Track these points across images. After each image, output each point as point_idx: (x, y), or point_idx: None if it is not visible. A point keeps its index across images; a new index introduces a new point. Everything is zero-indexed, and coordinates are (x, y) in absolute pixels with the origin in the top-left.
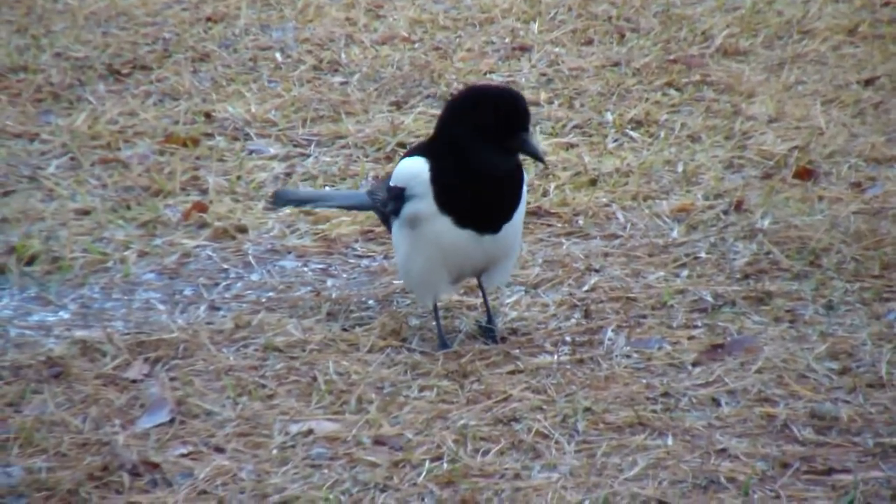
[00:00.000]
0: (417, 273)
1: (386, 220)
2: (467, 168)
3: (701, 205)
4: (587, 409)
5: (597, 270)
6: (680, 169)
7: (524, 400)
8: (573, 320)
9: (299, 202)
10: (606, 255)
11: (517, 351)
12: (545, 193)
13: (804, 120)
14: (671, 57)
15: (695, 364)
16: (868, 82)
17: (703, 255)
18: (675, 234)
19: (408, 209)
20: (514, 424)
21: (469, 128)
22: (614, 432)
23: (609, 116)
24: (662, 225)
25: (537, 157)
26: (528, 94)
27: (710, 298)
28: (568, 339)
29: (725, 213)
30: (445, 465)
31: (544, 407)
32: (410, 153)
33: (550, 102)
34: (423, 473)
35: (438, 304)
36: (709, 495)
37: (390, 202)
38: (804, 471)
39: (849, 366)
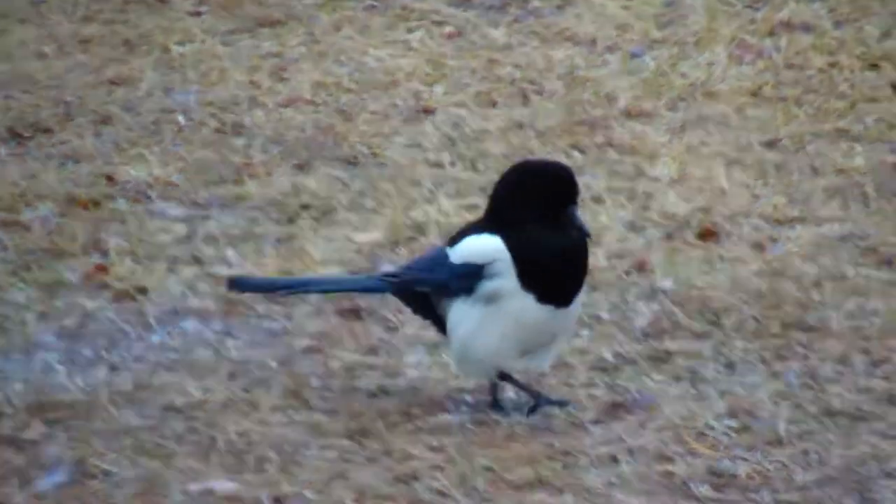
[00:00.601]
0: (486, 349)
1: (416, 300)
2: (542, 245)
3: (603, 265)
4: (487, 468)
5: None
6: None
7: (424, 459)
8: (474, 381)
9: (268, 289)
10: None
11: (417, 410)
12: None
13: (707, 181)
14: (575, 119)
15: (595, 423)
16: (770, 144)
17: (604, 314)
18: None
19: (487, 287)
20: (413, 483)
21: (521, 204)
22: (514, 490)
23: None
24: None
25: (583, 230)
26: (431, 156)
27: (610, 358)
28: (468, 398)
29: (627, 273)
30: None
31: (444, 466)
32: (473, 229)
33: (454, 164)
34: None
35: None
36: None
37: (458, 280)
38: None
39: (748, 424)
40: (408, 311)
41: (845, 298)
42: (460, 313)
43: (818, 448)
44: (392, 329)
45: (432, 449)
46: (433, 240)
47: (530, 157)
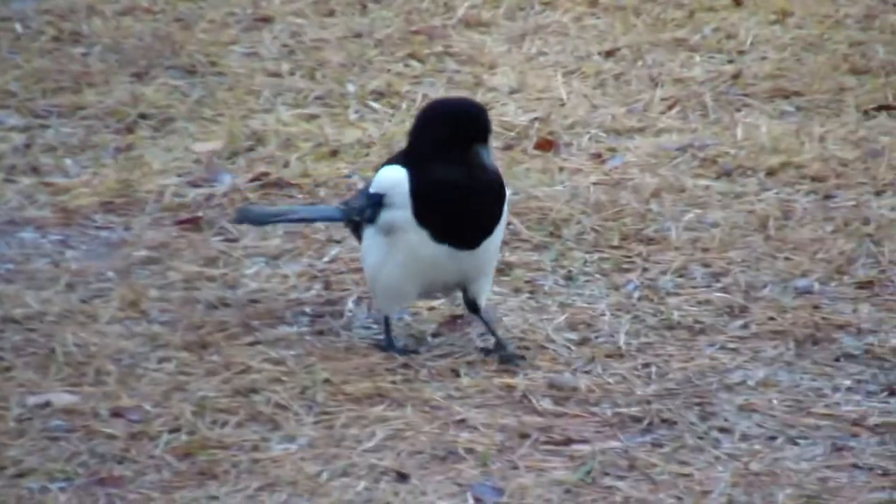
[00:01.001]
0: (386, 282)
1: (357, 230)
2: (443, 184)
3: None
4: (326, 381)
5: (338, 241)
6: None
7: (263, 371)
8: (313, 291)
9: (264, 220)
10: None
11: (256, 322)
12: (286, 164)
13: (545, 91)
14: (413, 28)
15: (435, 335)
16: (609, 53)
17: None
18: None
19: (384, 217)
20: (252, 396)
21: (430, 141)
22: (353, 403)
23: (351, 87)
24: None
25: (484, 166)
26: (269, 66)
27: None
28: (308, 310)
29: None
30: (184, 437)
31: (283, 378)
32: (390, 160)
33: (292, 73)
34: (161, 445)
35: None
36: (447, 466)
37: (368, 209)
38: (542, 441)
39: (587, 336)
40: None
41: (684, 210)
42: (367, 242)
43: (658, 361)
44: (231, 240)
45: (272, 361)
46: (272, 149)
47: (446, 96)
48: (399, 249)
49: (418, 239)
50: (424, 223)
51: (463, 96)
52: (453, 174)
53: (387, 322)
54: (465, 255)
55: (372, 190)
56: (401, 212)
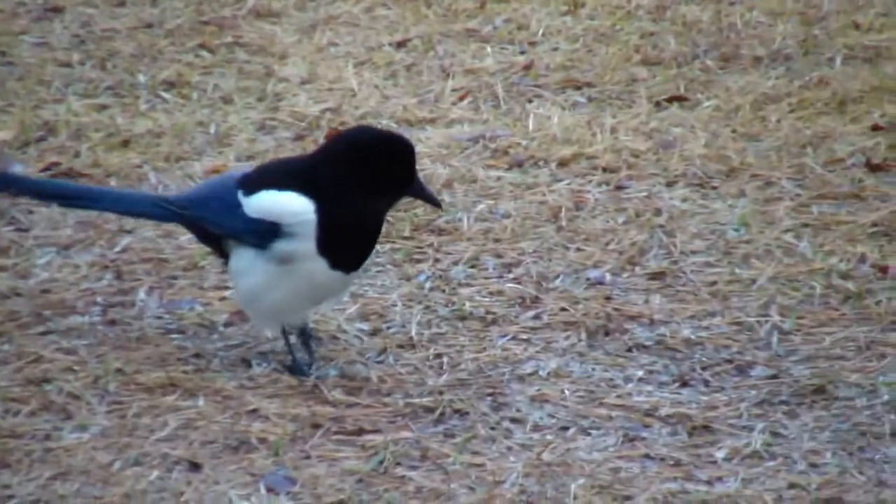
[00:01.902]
0: (274, 304)
1: (210, 239)
2: (357, 217)
3: (234, 166)
4: (119, 370)
5: (129, 231)
6: (213, 130)
7: (55, 361)
8: (105, 281)
9: (30, 191)
10: None
11: (49, 312)
12: (77, 154)
13: (337, 82)
14: (204, 18)
15: (226, 325)
16: (400, 44)
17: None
18: None
19: (282, 247)
20: (45, 385)
21: (361, 176)
22: (146, 393)
23: (142, 78)
24: (194, 186)
25: (434, 201)
26: (60, 56)
27: None
28: (100, 300)
29: None
30: None
31: (76, 368)
32: (281, 185)
33: (83, 64)
34: None
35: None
36: (240, 455)
37: (250, 234)
38: (335, 431)
39: (379, 327)
40: (39, 211)
41: (476, 200)
42: (247, 264)
43: (450, 351)
44: (22, 230)
45: (64, 351)
46: (63, 139)
47: (372, 127)
48: (292, 276)
49: (316, 267)
50: (326, 254)
51: (387, 131)
52: (373, 212)
53: (287, 342)
54: (351, 276)
55: (257, 215)
56: (303, 243)
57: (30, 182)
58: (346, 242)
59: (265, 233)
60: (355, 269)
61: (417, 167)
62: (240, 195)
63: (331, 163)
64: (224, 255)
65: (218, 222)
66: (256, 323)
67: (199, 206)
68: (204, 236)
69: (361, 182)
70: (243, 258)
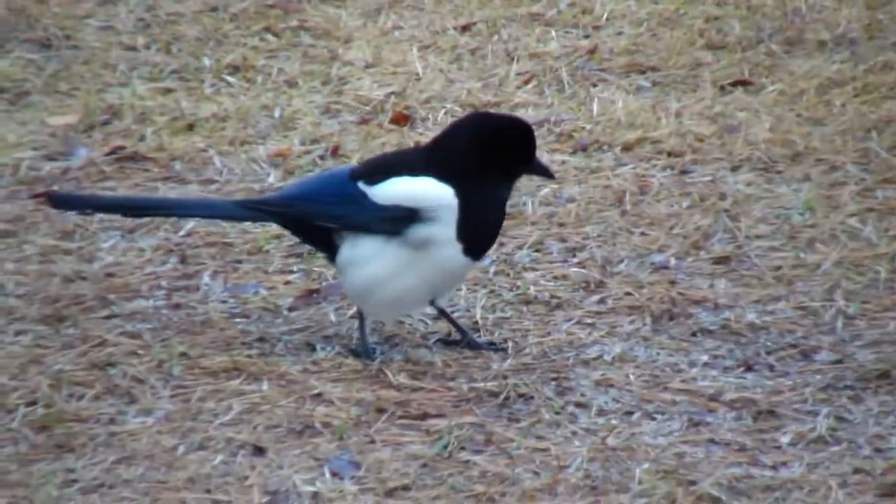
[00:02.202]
0: (399, 292)
1: (316, 236)
2: (490, 202)
3: (298, 150)
4: (183, 354)
5: (171, 221)
6: (277, 114)
7: (120, 345)
8: (169, 265)
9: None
10: None
11: (113, 296)
12: (142, 138)
13: (401, 65)
14: (269, 2)
15: (291, 309)
16: (465, 28)
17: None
18: (271, 178)
19: (421, 232)
20: (109, 369)
21: (487, 161)
22: (210, 377)
23: (206, 61)
24: (259, 170)
25: (549, 173)
26: (125, 39)
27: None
28: (164, 283)
29: (322, 158)
30: (40, 410)
31: (140, 352)
32: (412, 173)
33: (148, 48)
34: (18, 418)
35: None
36: (304, 440)
37: (382, 222)
38: (399, 415)
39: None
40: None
41: (540, 185)
42: (371, 252)
43: (515, 336)
44: (87, 214)
45: (128, 335)
46: (128, 123)
47: (492, 113)
48: (424, 262)
49: (450, 253)
50: (464, 239)
51: (509, 115)
52: (501, 195)
53: (363, 327)
54: (475, 263)
55: (390, 202)
56: (443, 228)
57: (106, 198)
58: (482, 228)
59: (400, 219)
60: (483, 254)
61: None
62: (361, 186)
63: (456, 150)
64: (331, 248)
65: (336, 214)
66: (372, 313)
67: (310, 202)
68: (306, 232)
69: (488, 167)
70: (366, 247)
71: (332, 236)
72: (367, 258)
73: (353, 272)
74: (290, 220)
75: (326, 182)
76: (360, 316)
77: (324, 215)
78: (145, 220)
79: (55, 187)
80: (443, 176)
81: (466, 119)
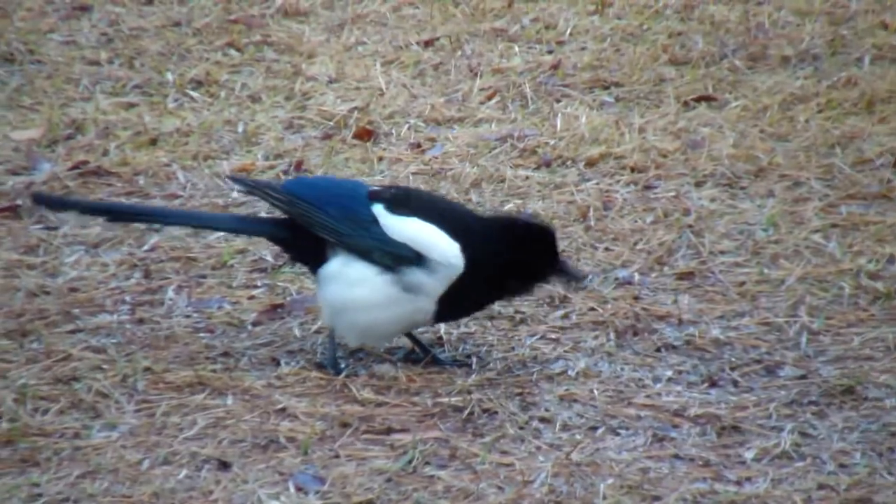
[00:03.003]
0: (371, 323)
1: (307, 247)
2: (486, 289)
3: (261, 165)
4: (147, 369)
5: (157, 230)
6: (240, 129)
7: (84, 359)
8: (133, 280)
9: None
10: None
11: (77, 310)
12: (105, 153)
13: (364, 80)
14: (232, 17)
15: (255, 324)
16: (428, 43)
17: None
18: (235, 194)
19: (415, 276)
20: (74, 384)
21: (506, 265)
22: (174, 392)
23: (170, 76)
24: (223, 185)
25: (579, 278)
26: (88, 54)
27: (270, 259)
28: (128, 298)
29: (286, 172)
30: (5, 425)
31: (104, 366)
32: (437, 221)
33: (111, 62)
34: None
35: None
36: (269, 454)
37: (384, 254)
38: (364, 430)
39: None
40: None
41: (504, 200)
42: (360, 276)
43: (478, 351)
44: (51, 228)
45: (93, 349)
46: (91, 138)
47: (521, 223)
48: (407, 305)
49: (425, 307)
50: (442, 304)
51: (541, 225)
52: (496, 288)
53: (332, 340)
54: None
55: (401, 238)
56: (434, 283)
57: (95, 203)
58: (465, 303)
59: (403, 258)
60: (446, 321)
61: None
62: (378, 210)
63: (488, 238)
64: (318, 258)
65: (340, 231)
66: (338, 332)
67: (316, 208)
68: (300, 233)
69: (510, 269)
70: (357, 270)
71: (324, 247)
72: (355, 281)
73: (334, 289)
74: (287, 214)
75: (337, 192)
76: (329, 329)
77: (323, 226)
78: (109, 234)
79: (19, 202)
80: (463, 240)
81: (506, 222)
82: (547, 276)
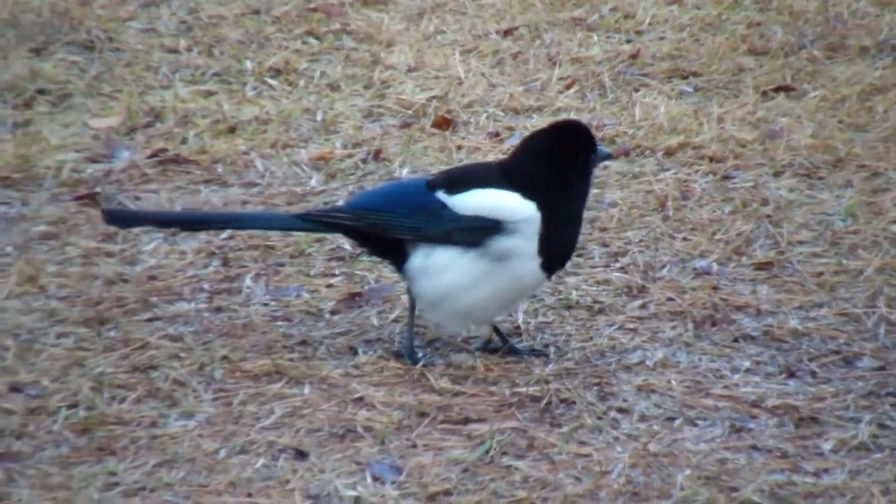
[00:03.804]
0: (472, 303)
1: (385, 246)
2: (570, 216)
3: (340, 153)
4: (224, 358)
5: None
6: (319, 117)
7: (161, 348)
8: (211, 268)
9: (156, 222)
10: (245, 202)
11: (155, 298)
12: (184, 141)
13: (443, 69)
14: (311, 5)
15: (333, 312)
16: (507, 32)
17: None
18: (313, 182)
19: (501, 244)
20: (151, 372)
21: (554, 173)
22: (251, 381)
23: (249, 64)
24: (301, 173)
25: (607, 156)
26: (167, 42)
27: (347, 247)
28: (206, 286)
29: (364, 161)
30: (82, 413)
31: (181, 355)
32: (495, 185)
33: (190, 50)
34: (60, 420)
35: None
36: (346, 444)
37: (463, 232)
38: (441, 420)
39: None
40: (146, 198)
41: None
42: (447, 262)
43: (557, 341)
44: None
45: (170, 338)
46: (170, 126)
47: (541, 128)
48: (500, 274)
49: (527, 267)
50: (544, 254)
51: (562, 120)
52: (577, 206)
53: (410, 329)
54: (548, 279)
55: (472, 213)
56: (524, 241)
57: (168, 214)
58: (561, 242)
59: (482, 230)
60: (558, 270)
61: None
62: (440, 195)
63: (530, 165)
64: (399, 256)
65: (413, 226)
66: (442, 322)
67: (383, 213)
68: (374, 241)
69: (562, 177)
70: (441, 256)
71: (404, 245)
72: (443, 268)
73: (426, 281)
74: (353, 231)
75: (401, 193)
76: (409, 317)
77: (399, 227)
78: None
79: (98, 189)
80: (524, 189)
81: (534, 134)
82: (592, 161)
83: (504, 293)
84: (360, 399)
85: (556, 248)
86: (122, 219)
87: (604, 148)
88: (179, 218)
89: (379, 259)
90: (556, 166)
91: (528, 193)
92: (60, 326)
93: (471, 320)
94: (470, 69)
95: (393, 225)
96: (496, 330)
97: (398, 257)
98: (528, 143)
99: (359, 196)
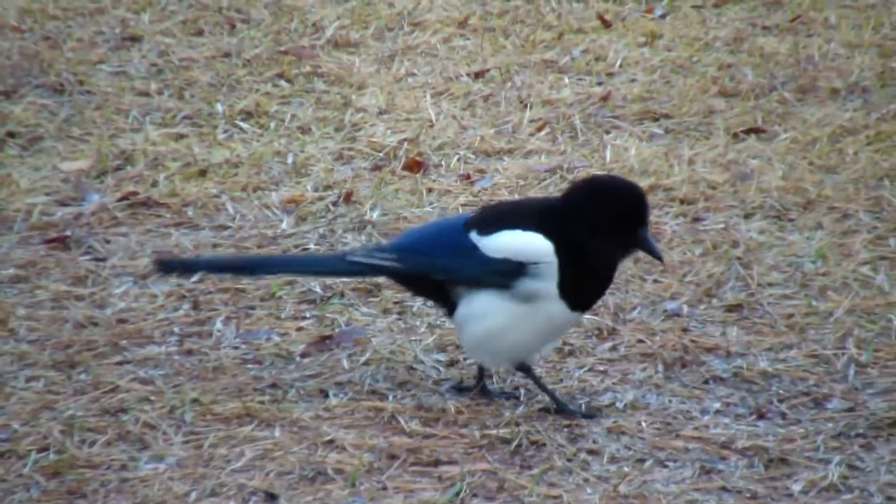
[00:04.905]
0: (513, 344)
1: (425, 287)
2: (592, 261)
3: (311, 196)
4: (195, 401)
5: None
6: (290, 160)
7: (132, 391)
8: (182, 311)
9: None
10: (216, 245)
11: (125, 341)
12: (155, 184)
13: (414, 112)
14: (282, 48)
15: (303, 355)
16: (478, 75)
17: (312, 246)
18: (284, 225)
19: (527, 285)
20: (121, 415)
21: (590, 223)
22: (222, 423)
23: (220, 107)
24: (272, 216)
25: (655, 254)
26: (137, 85)
27: (318, 290)
28: (177, 329)
29: (335, 204)
30: (52, 456)
31: (152, 398)
32: (522, 225)
33: (161, 93)
34: (30, 464)
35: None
36: (316, 486)
37: (493, 275)
38: (411, 462)
39: (456, 358)
40: (116, 241)
41: None
42: (485, 306)
43: (527, 383)
44: (99, 259)
45: (140, 381)
46: (140, 168)
47: (603, 175)
48: (534, 315)
49: (557, 308)
50: (566, 295)
51: (621, 177)
52: (608, 253)
53: (541, 384)
54: (579, 316)
55: (499, 255)
56: (545, 283)
57: (210, 260)
58: (582, 285)
59: (509, 273)
60: (589, 308)
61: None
62: (474, 236)
63: (569, 207)
64: (448, 303)
65: (449, 267)
66: (486, 363)
67: (421, 254)
68: (422, 286)
69: (597, 228)
70: (480, 301)
71: (448, 292)
72: (482, 313)
73: (470, 327)
74: (397, 274)
75: (439, 232)
76: (530, 376)
77: (435, 268)
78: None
79: (68, 233)
80: (548, 231)
81: (585, 179)
82: (635, 234)
83: (540, 332)
84: (331, 441)
85: (579, 291)
86: (175, 266)
87: (650, 240)
88: (231, 264)
89: (416, 292)
90: (596, 225)
91: (552, 235)
92: (30, 370)
93: (515, 359)
94: (441, 111)
95: (429, 267)
96: (480, 367)
97: (447, 304)
98: (582, 191)
99: (403, 235)
